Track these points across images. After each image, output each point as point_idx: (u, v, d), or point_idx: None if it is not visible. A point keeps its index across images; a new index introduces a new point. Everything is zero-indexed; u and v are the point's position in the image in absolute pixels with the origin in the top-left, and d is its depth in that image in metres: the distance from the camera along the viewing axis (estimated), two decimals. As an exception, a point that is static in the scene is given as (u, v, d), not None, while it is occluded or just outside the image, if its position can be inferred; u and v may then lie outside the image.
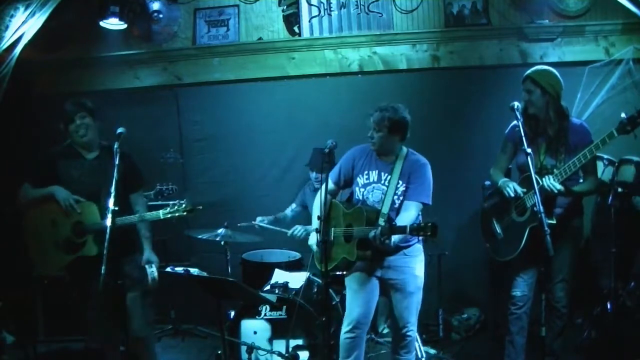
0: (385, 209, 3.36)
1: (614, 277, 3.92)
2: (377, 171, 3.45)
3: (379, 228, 3.17)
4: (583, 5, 4.84)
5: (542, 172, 3.36)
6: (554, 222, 3.19)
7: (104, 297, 3.32)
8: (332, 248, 3.46)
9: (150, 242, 3.78)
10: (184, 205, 3.57)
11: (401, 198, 3.41)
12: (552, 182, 3.20)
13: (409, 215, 3.33)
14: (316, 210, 3.51)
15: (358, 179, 3.47)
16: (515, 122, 3.50)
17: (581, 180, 3.40)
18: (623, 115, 3.07)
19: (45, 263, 3.76)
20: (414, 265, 3.46)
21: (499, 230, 3.60)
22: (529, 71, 3.45)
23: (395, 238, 3.25)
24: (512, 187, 3.43)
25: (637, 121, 3.01)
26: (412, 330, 3.48)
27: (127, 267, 3.60)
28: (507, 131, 3.64)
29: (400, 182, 3.41)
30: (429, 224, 3.04)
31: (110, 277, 3.20)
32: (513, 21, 4.94)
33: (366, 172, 3.47)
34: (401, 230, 3.13)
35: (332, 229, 3.51)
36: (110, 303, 3.45)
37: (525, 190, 3.39)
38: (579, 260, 4.54)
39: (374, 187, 3.44)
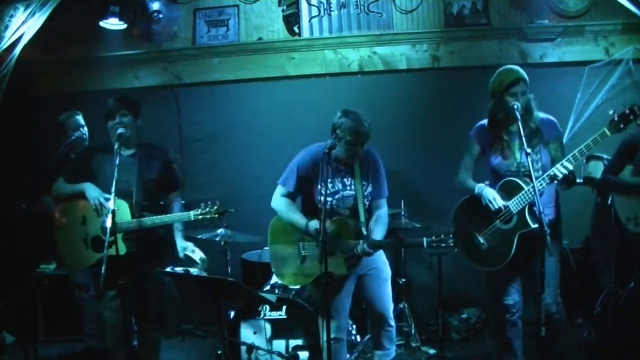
0: (362, 217, 3.38)
1: (614, 277, 3.93)
2: (339, 178, 3.42)
3: (362, 243, 3.24)
4: (583, 5, 4.83)
5: (519, 170, 3.29)
6: (537, 226, 3.06)
7: (120, 298, 3.31)
8: (303, 264, 3.44)
9: (182, 233, 3.70)
10: (215, 208, 3.51)
11: (369, 198, 3.45)
12: (562, 166, 3.07)
13: (385, 211, 3.48)
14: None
15: (320, 187, 3.29)
16: (481, 122, 3.48)
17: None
18: (611, 112, 3.02)
19: (74, 260, 3.70)
20: (380, 252, 3.52)
21: (482, 240, 3.39)
22: (518, 73, 3.26)
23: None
24: (494, 202, 3.28)
25: (629, 118, 2.95)
26: (392, 319, 3.54)
27: (157, 272, 3.57)
28: (471, 132, 3.53)
29: (364, 182, 3.42)
30: (450, 235, 3.05)
31: (128, 277, 3.22)
32: (513, 21, 4.94)
33: (330, 180, 3.38)
34: (418, 243, 3.19)
35: (300, 243, 3.46)
36: (128, 304, 3.42)
37: (505, 204, 3.25)
38: (579, 260, 4.57)
39: (342, 195, 3.42)
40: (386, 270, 3.54)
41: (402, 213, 4.39)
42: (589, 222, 4.55)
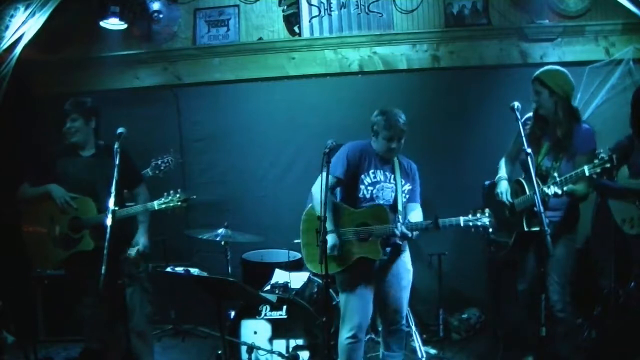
0: (400, 207, 3.46)
1: (614, 277, 3.93)
2: (382, 171, 3.50)
3: (399, 225, 3.30)
4: (583, 5, 4.84)
5: (537, 172, 3.31)
6: (537, 229, 3.14)
7: (102, 296, 3.33)
8: (343, 249, 3.43)
9: (145, 226, 3.77)
10: (178, 195, 3.58)
11: (407, 196, 3.54)
12: (552, 189, 3.18)
13: (419, 214, 3.54)
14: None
15: (363, 177, 3.48)
16: (528, 114, 3.52)
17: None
18: (601, 151, 3.08)
19: (44, 260, 3.81)
20: (406, 260, 3.58)
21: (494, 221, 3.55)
22: (537, 72, 3.40)
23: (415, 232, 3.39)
24: (500, 196, 3.48)
25: (606, 165, 2.98)
26: (404, 325, 3.58)
27: (124, 264, 3.63)
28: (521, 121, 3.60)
29: (404, 181, 3.52)
30: (487, 211, 3.18)
31: (110, 276, 3.21)
32: (513, 21, 4.94)
33: (372, 171, 3.49)
34: (455, 223, 3.29)
35: (340, 229, 3.47)
36: (109, 302, 3.45)
37: (511, 200, 3.42)
38: (579, 261, 4.56)
39: (383, 186, 3.49)
40: (407, 279, 3.56)
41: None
42: (589, 222, 4.55)
